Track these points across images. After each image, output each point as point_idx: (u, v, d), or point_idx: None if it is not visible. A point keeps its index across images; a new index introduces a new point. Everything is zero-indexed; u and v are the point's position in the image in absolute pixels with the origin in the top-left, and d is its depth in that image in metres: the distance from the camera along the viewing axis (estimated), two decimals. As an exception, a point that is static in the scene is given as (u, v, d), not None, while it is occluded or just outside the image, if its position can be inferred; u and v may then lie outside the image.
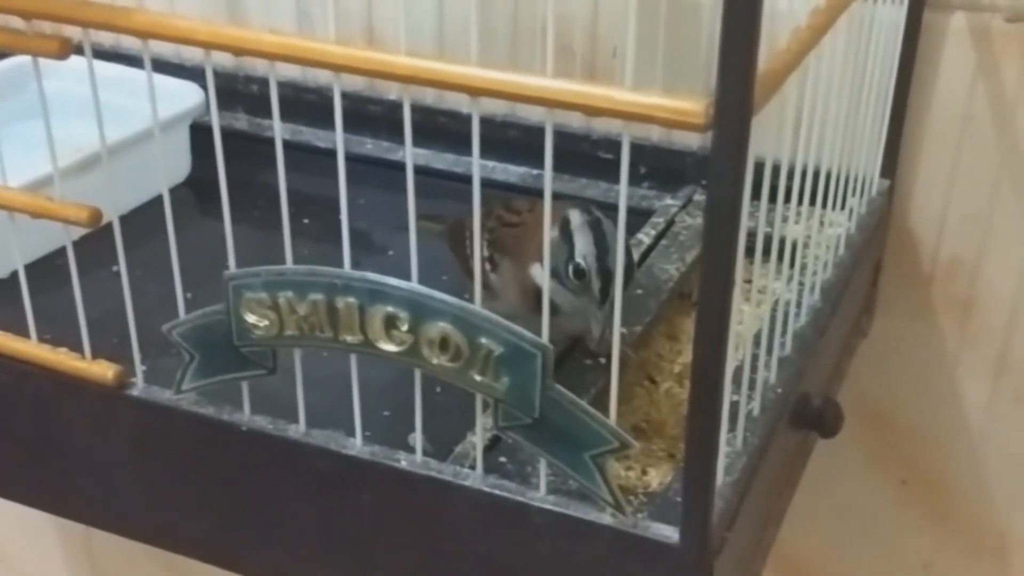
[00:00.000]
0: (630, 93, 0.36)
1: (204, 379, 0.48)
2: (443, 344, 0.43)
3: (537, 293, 0.44)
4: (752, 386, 0.50)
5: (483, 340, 0.42)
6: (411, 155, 0.41)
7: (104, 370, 0.50)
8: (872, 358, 0.73)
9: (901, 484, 0.78)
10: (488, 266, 0.54)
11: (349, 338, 0.44)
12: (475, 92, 0.39)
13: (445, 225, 0.62)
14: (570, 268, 0.50)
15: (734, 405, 0.47)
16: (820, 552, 0.82)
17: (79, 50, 0.45)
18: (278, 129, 0.43)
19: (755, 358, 0.51)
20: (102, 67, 0.69)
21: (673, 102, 0.36)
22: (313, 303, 0.44)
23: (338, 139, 0.42)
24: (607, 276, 0.50)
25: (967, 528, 0.77)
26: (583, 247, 0.50)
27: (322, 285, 0.44)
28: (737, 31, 0.34)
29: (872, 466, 0.78)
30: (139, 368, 0.51)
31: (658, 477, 0.53)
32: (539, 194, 0.42)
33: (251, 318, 0.46)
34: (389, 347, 0.44)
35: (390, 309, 0.43)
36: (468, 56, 0.39)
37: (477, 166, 0.41)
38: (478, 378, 0.43)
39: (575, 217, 0.51)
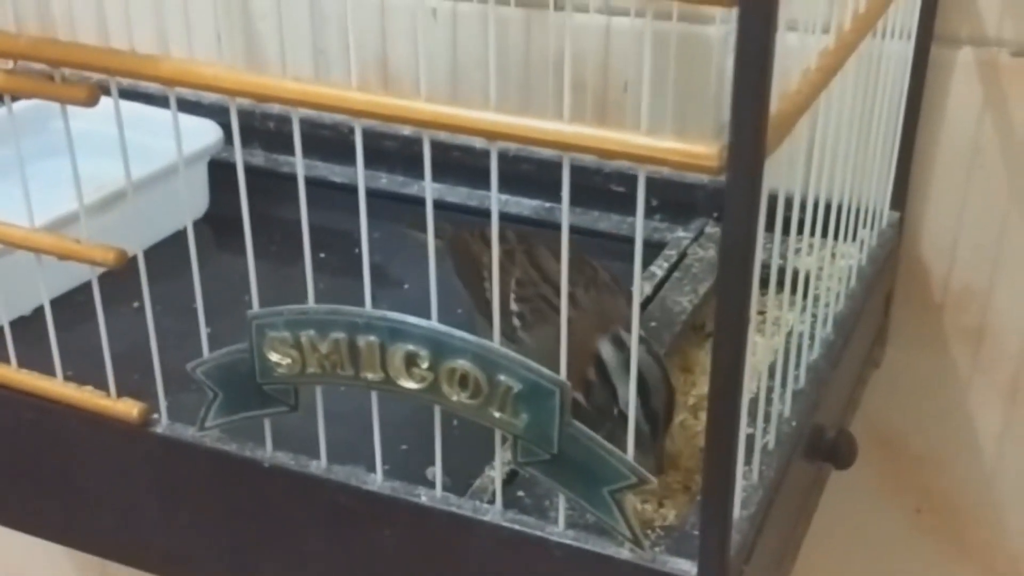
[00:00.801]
0: (644, 137, 0.37)
1: (227, 416, 0.49)
2: (463, 381, 0.43)
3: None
4: (767, 419, 0.50)
5: (502, 377, 0.43)
6: (430, 190, 0.42)
7: (129, 408, 0.51)
8: (885, 388, 0.74)
9: (916, 513, 0.78)
10: (518, 322, 0.54)
11: (370, 376, 0.45)
12: (492, 136, 0.40)
13: (443, 240, 0.62)
14: (615, 411, 0.50)
15: (749, 438, 0.47)
16: (835, 581, 0.82)
17: (105, 91, 0.46)
18: (300, 168, 0.44)
19: (769, 391, 0.51)
20: (122, 106, 0.71)
21: (687, 146, 0.37)
22: (335, 342, 0.45)
23: (359, 176, 0.43)
24: (654, 419, 0.50)
25: (982, 555, 0.78)
26: (624, 393, 0.49)
27: (343, 324, 0.45)
28: (749, 77, 0.34)
29: (886, 495, 0.78)
30: (163, 405, 0.51)
31: (674, 509, 0.53)
32: (553, 226, 0.42)
33: (274, 356, 0.46)
34: (409, 384, 0.44)
35: (411, 347, 0.44)
36: (482, 92, 0.40)
37: (495, 206, 0.41)
38: (497, 415, 0.43)
39: (609, 356, 0.50)
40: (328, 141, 0.83)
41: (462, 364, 0.43)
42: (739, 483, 0.46)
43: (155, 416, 0.52)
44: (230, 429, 0.50)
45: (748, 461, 0.48)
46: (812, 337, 0.56)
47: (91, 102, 0.44)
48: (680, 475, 0.56)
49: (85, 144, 0.58)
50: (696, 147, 0.37)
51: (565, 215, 0.40)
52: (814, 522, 0.59)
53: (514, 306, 0.54)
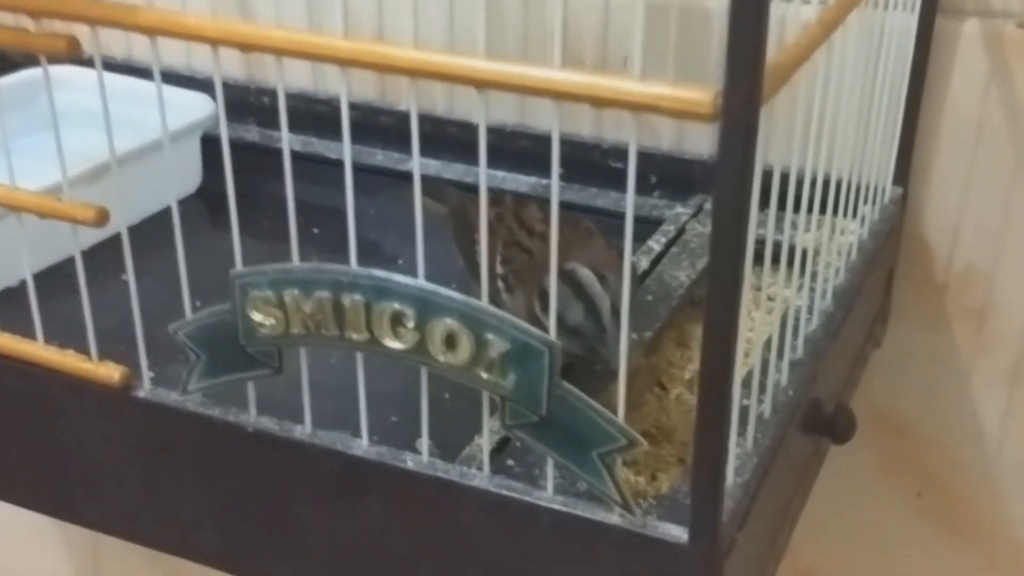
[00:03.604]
0: (637, 84, 0.36)
1: (210, 379, 0.48)
2: (449, 341, 0.42)
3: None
4: (763, 389, 0.49)
5: (490, 337, 0.42)
6: (417, 135, 0.41)
7: (110, 371, 0.50)
8: (886, 368, 0.73)
9: (916, 497, 0.77)
10: (502, 284, 0.54)
11: (355, 336, 0.44)
12: (481, 84, 0.39)
13: (448, 207, 0.61)
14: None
15: (745, 409, 0.46)
16: (834, 565, 0.81)
17: (91, 62, 0.45)
18: (284, 122, 0.43)
19: (766, 363, 0.50)
20: (113, 78, 0.70)
21: (680, 92, 0.36)
22: (319, 300, 0.44)
23: (343, 117, 0.42)
24: (595, 315, 0.50)
25: (984, 540, 0.76)
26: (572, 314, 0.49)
27: (328, 282, 0.44)
28: (745, 20, 0.33)
29: (887, 478, 0.77)
30: (145, 369, 0.50)
31: (668, 482, 0.52)
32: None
33: (257, 316, 0.45)
34: (395, 345, 0.43)
35: (396, 306, 0.43)
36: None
37: (484, 162, 0.40)
38: (485, 375, 0.42)
39: (584, 274, 0.50)
40: (323, 117, 0.82)
41: (449, 323, 0.42)
42: (733, 450, 0.45)
43: (138, 382, 0.51)
44: (214, 393, 0.49)
45: (743, 430, 0.47)
46: (811, 310, 0.54)
47: (71, 54, 0.43)
48: (675, 448, 0.55)
49: (77, 118, 0.57)
50: (689, 93, 0.35)
51: (555, 162, 0.39)
52: (812, 504, 0.58)
53: (499, 268, 0.53)
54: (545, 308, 0.48)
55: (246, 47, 0.42)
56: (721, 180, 0.36)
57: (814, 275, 0.54)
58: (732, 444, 0.44)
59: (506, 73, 0.38)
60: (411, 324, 0.43)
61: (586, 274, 0.50)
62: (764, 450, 0.47)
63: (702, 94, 0.35)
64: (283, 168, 0.44)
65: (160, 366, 0.52)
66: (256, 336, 0.46)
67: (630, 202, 0.38)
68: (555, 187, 0.40)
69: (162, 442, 0.51)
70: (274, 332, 0.45)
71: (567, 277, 0.49)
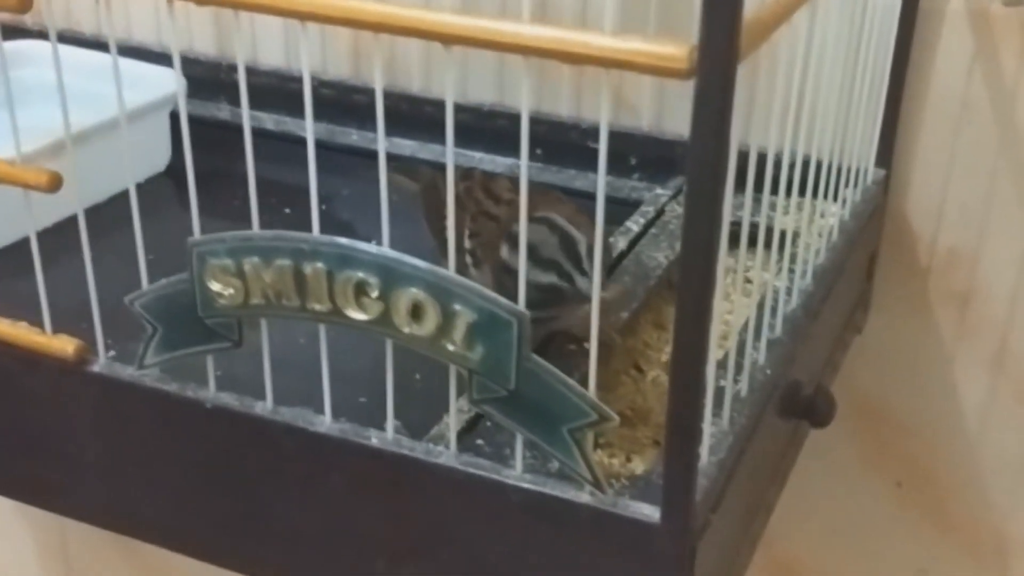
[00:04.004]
0: (610, 38, 0.35)
1: (167, 353, 0.46)
2: (415, 312, 0.41)
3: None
4: (739, 369, 0.48)
5: (457, 307, 0.40)
6: (381, 97, 0.39)
7: (64, 344, 0.48)
8: (867, 354, 0.71)
9: (896, 486, 0.76)
10: (470, 259, 0.53)
11: (317, 306, 0.42)
12: (449, 40, 0.37)
13: (420, 184, 0.60)
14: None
15: (721, 390, 0.45)
16: (813, 556, 0.79)
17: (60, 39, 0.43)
18: (242, 69, 0.41)
19: (743, 343, 0.49)
20: (81, 54, 0.68)
21: (655, 47, 0.34)
22: (280, 269, 0.42)
23: (305, 76, 0.40)
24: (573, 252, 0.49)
25: (965, 530, 0.75)
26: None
27: (289, 250, 0.42)
28: (722, -29, 0.32)
29: (867, 467, 0.76)
30: (102, 343, 0.49)
31: (643, 465, 0.51)
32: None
33: (215, 286, 0.44)
34: (359, 316, 0.42)
35: (360, 275, 0.41)
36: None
37: (451, 115, 0.39)
38: (451, 348, 0.41)
39: (557, 216, 0.49)
40: (297, 96, 0.80)
41: (414, 292, 0.40)
42: (708, 429, 0.43)
43: (94, 356, 0.49)
44: (172, 368, 0.47)
45: (718, 410, 0.45)
46: (790, 290, 0.53)
47: (22, 8, 0.41)
48: (650, 430, 0.53)
49: (41, 93, 0.55)
50: (664, 48, 0.34)
51: (525, 117, 0.37)
52: (791, 493, 0.57)
53: (467, 243, 0.52)
54: (514, 250, 0.47)
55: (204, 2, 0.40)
56: (696, 142, 0.34)
57: (793, 257, 0.53)
58: (707, 422, 0.43)
59: (474, 27, 0.36)
60: (375, 294, 0.41)
61: (559, 216, 0.49)
62: (740, 429, 0.45)
63: (677, 48, 0.34)
64: (256, 147, 0.42)
65: (123, 343, 0.50)
66: (214, 307, 0.44)
67: (603, 139, 0.37)
68: (525, 130, 0.38)
69: (118, 419, 0.49)
70: (233, 302, 0.44)
71: (540, 219, 0.48)
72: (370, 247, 0.41)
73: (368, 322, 0.42)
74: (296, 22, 0.40)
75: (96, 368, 0.49)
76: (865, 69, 0.58)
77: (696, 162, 0.34)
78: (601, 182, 0.37)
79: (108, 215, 0.48)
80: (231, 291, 0.43)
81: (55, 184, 0.45)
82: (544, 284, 0.47)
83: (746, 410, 0.46)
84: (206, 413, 0.47)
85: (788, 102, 0.47)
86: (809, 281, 0.54)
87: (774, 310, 0.51)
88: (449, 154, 0.39)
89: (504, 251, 0.49)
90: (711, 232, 0.34)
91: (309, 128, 0.41)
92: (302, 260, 0.42)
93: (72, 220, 0.50)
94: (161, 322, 0.46)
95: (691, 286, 0.36)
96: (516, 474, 0.42)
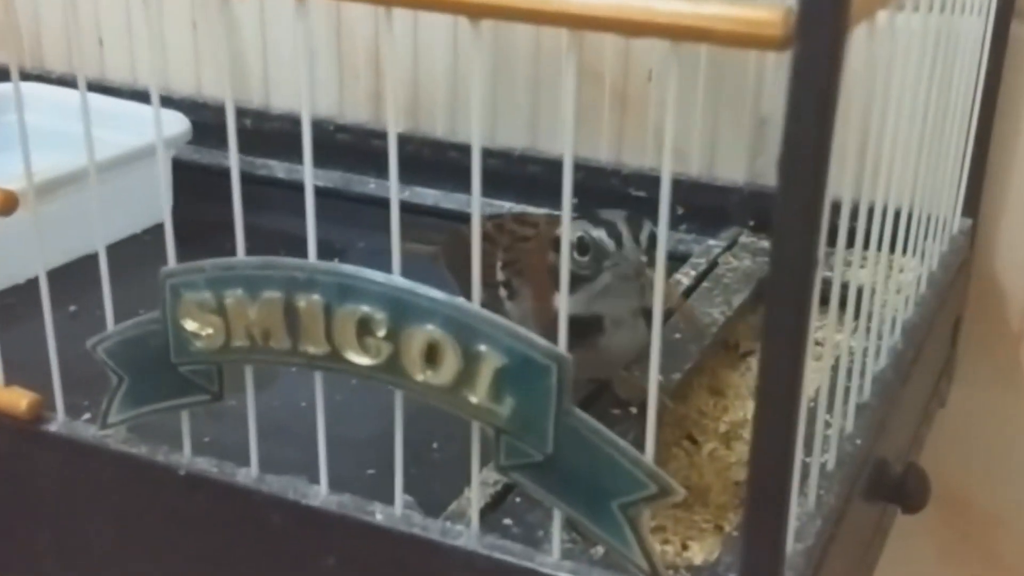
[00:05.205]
0: (681, 1, 0.27)
1: (135, 408, 0.39)
2: (430, 354, 0.33)
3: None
4: (825, 440, 0.39)
5: (482, 348, 0.32)
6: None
7: (16, 398, 0.41)
8: (949, 431, 0.64)
9: (979, 583, 0.67)
10: (504, 292, 0.46)
11: (312, 349, 0.35)
12: (476, 13, 0.30)
13: (439, 245, 0.54)
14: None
15: (804, 465, 0.37)
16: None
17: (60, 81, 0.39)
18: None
19: (814, 412, 0.41)
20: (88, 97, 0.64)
21: (740, 11, 0.27)
22: (268, 303, 0.35)
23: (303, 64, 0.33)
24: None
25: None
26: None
27: (280, 280, 0.35)
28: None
29: (946, 561, 0.68)
30: (59, 398, 0.41)
31: (702, 553, 0.43)
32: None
33: (191, 325, 0.36)
34: (362, 360, 0.34)
35: (364, 308, 0.34)
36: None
37: (477, 108, 0.31)
38: (474, 400, 0.33)
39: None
40: (312, 142, 0.74)
41: (430, 331, 0.33)
42: (793, 508, 0.35)
43: (51, 414, 0.41)
44: (140, 426, 0.40)
45: (803, 488, 0.37)
46: (879, 347, 0.45)
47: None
48: (710, 512, 0.45)
49: (41, 138, 0.51)
50: (753, 12, 0.27)
51: (569, 117, 0.30)
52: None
53: (500, 275, 0.46)
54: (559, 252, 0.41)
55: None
56: (792, 130, 0.27)
57: (869, 316, 0.45)
58: (793, 502, 0.35)
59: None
60: (382, 332, 0.34)
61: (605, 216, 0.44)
62: (829, 510, 0.37)
63: (769, 11, 0.26)
64: (264, 196, 0.37)
65: (99, 405, 0.43)
66: (190, 351, 0.37)
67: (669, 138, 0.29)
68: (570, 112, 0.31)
69: (79, 485, 0.42)
70: (211, 345, 0.36)
71: (584, 216, 0.44)
72: (376, 274, 0.33)
73: (373, 367, 0.34)
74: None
75: (53, 427, 0.41)
76: (948, 105, 0.51)
77: (790, 158, 0.27)
78: (664, 208, 0.30)
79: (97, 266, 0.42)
80: (210, 331, 0.36)
81: (9, 205, 0.39)
82: (600, 244, 0.43)
83: (835, 487, 0.38)
84: (180, 481, 0.39)
85: (865, 142, 0.39)
86: (898, 338, 0.46)
87: (861, 372, 0.42)
88: (475, 155, 0.32)
89: (552, 257, 0.44)
90: (810, 243, 0.27)
91: (306, 124, 0.34)
92: (295, 291, 0.34)
93: (55, 272, 0.44)
94: (128, 371, 0.39)
95: (779, 346, 0.28)
96: (553, 561, 0.35)
